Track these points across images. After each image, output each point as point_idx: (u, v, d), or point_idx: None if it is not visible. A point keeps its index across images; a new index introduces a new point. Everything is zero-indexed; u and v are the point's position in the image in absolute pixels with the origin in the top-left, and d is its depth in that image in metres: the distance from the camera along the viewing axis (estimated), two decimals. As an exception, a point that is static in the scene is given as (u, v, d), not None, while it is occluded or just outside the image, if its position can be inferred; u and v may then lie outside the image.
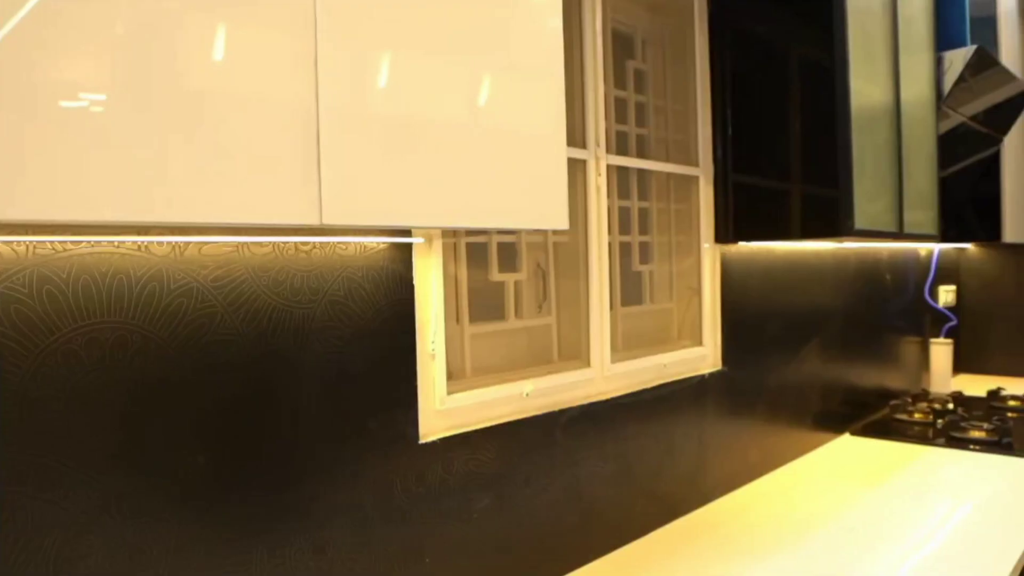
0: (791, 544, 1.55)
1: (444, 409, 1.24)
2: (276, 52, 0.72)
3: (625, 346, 1.67)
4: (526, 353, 1.46)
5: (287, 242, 1.03)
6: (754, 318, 1.99)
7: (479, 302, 1.39)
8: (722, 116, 1.86)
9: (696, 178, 1.83)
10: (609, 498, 1.53)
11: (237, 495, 0.97)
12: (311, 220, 0.76)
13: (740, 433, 1.94)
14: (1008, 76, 2.56)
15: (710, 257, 1.83)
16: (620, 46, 1.69)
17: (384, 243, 1.14)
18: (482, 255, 1.38)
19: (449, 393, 1.25)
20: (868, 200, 1.72)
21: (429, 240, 1.20)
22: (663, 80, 1.80)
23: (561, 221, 0.98)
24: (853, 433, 2.46)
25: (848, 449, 2.29)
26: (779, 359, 2.10)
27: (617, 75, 1.67)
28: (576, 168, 1.51)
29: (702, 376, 1.79)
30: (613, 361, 1.57)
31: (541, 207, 0.96)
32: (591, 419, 1.49)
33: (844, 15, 1.66)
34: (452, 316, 1.33)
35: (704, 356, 1.82)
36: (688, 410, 1.75)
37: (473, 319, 1.37)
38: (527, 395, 1.38)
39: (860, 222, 1.67)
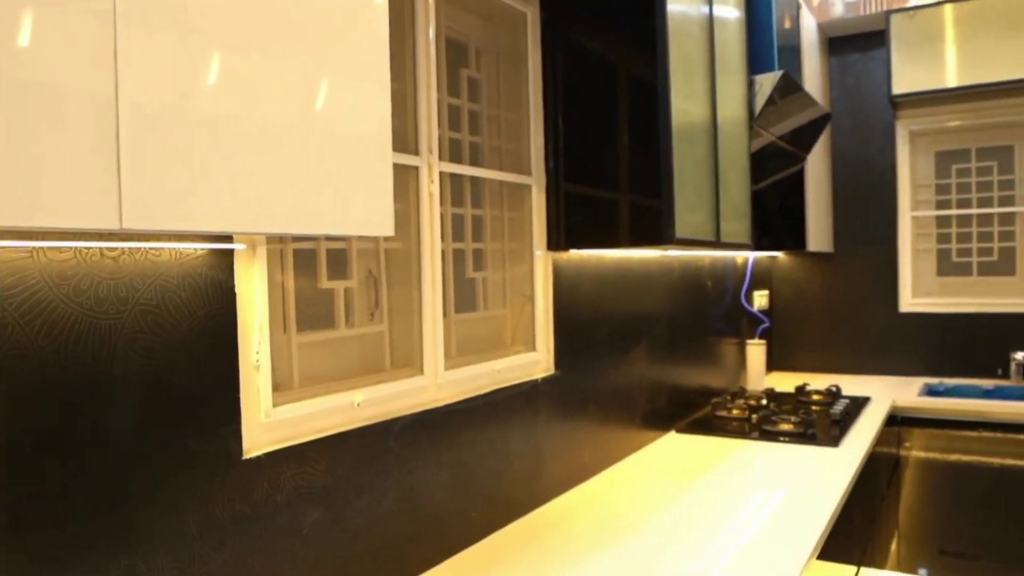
0: (621, 539, 1.61)
1: (270, 422, 1.19)
2: (70, 38, 0.66)
3: (459, 353, 1.67)
4: (357, 362, 1.43)
5: (91, 247, 0.95)
6: (585, 323, 2.06)
7: (308, 310, 1.35)
8: (554, 126, 1.91)
9: (529, 187, 1.87)
10: (446, 504, 1.53)
11: (39, 525, 0.88)
12: (110, 224, 0.70)
13: (574, 434, 2.00)
14: (811, 101, 2.80)
15: (543, 264, 1.88)
16: (454, 54, 1.70)
17: (202, 249, 1.08)
18: (311, 262, 1.34)
19: (275, 405, 1.21)
20: (688, 211, 1.83)
21: (252, 246, 1.15)
22: (497, 89, 1.83)
23: (386, 227, 0.97)
24: (678, 431, 2.60)
25: (674, 446, 2.42)
26: (609, 362, 2.18)
27: (451, 83, 1.68)
28: (409, 175, 1.50)
29: (535, 381, 1.83)
30: (447, 368, 1.57)
31: (366, 213, 0.95)
32: (425, 427, 1.48)
33: (666, 36, 1.75)
34: (279, 325, 1.28)
35: (537, 361, 1.86)
36: (523, 414, 1.78)
37: (301, 328, 1.33)
38: (358, 405, 1.35)
39: (681, 231, 1.77)
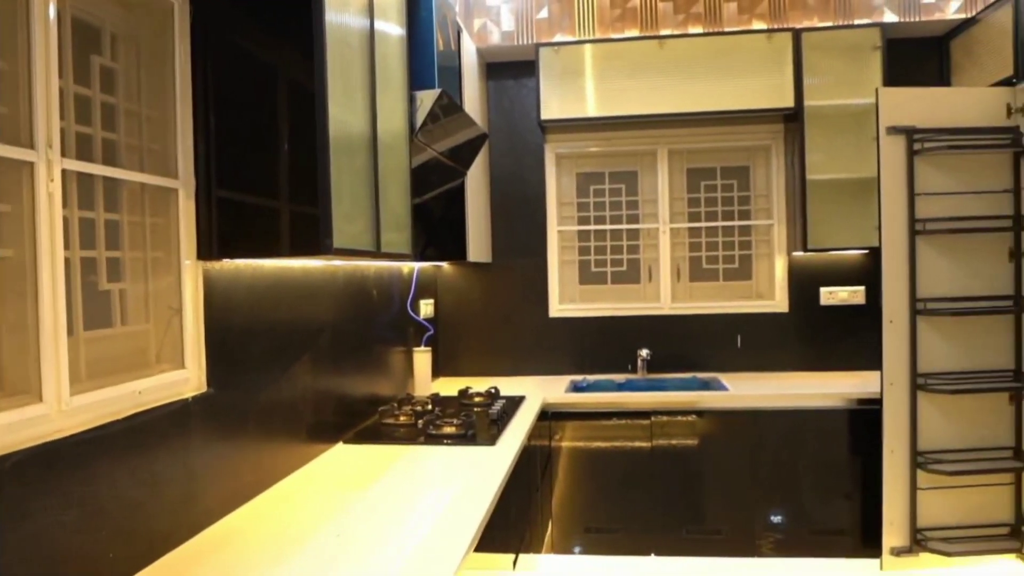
0: (287, 557, 1.55)
1: None
2: None
3: (92, 375, 1.49)
4: (-48, 391, 1.20)
5: None
6: (242, 337, 1.95)
7: None
8: (206, 128, 1.79)
9: (175, 191, 1.73)
10: (76, 549, 1.34)
11: None
12: None
13: (232, 454, 1.88)
14: (469, 120, 2.97)
15: (192, 275, 1.75)
16: (84, 38, 1.51)
17: None
18: None
19: None
20: (347, 221, 1.82)
21: None
22: (137, 83, 1.66)
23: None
24: (346, 441, 2.58)
25: (342, 458, 2.39)
26: (271, 376, 2.10)
27: (80, 70, 1.49)
28: (21, 171, 1.30)
29: (185, 400, 1.69)
30: (74, 393, 1.38)
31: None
32: (47, 462, 1.29)
33: (324, 45, 1.73)
34: None
35: (187, 379, 1.72)
36: (172, 437, 1.64)
37: None
38: (-48, 442, 1.14)
39: (339, 241, 1.76)
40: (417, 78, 2.63)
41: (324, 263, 2.47)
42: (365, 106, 2.02)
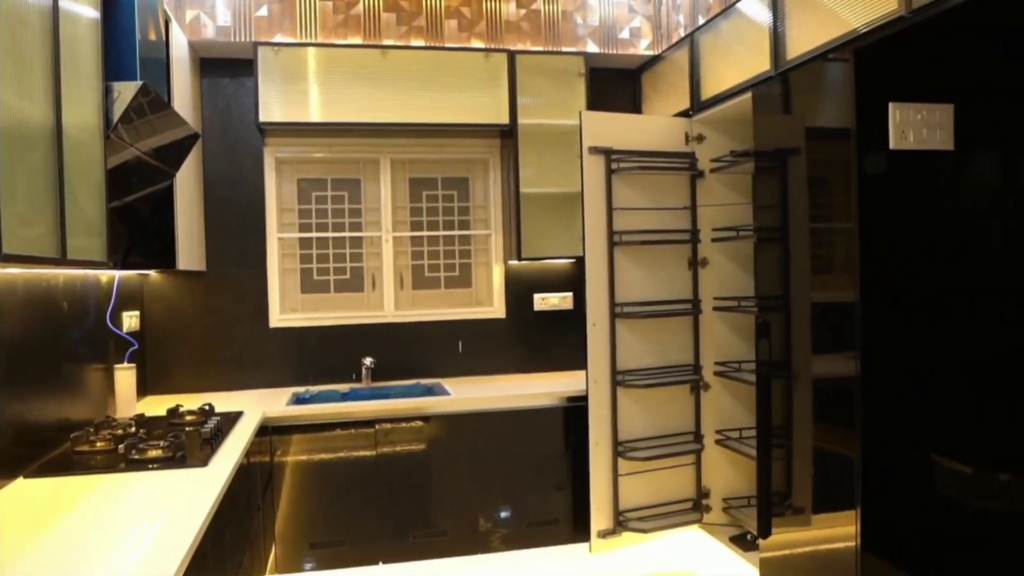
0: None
1: None
2: None
3: None
4: None
5: None
6: None
7: None
8: None
9: None
10: None
11: None
12: None
13: None
14: (178, 118, 2.76)
15: None
16: None
17: None
18: None
19: None
20: (23, 224, 1.60)
21: None
22: None
23: None
24: (28, 476, 2.26)
25: (23, 495, 2.09)
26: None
27: None
28: None
29: None
30: None
31: None
32: None
33: (-8, 20, 1.51)
34: None
35: None
36: None
37: None
38: None
39: (11, 246, 1.54)
40: (115, 68, 2.39)
41: (-3, 271, 2.15)
42: (47, 94, 1.79)
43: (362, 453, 3.37)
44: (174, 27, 3.17)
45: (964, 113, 2.24)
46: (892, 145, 2.19)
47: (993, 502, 2.35)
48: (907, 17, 2.24)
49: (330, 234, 3.98)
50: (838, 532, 2.35)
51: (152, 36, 2.74)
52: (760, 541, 2.74)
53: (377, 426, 3.38)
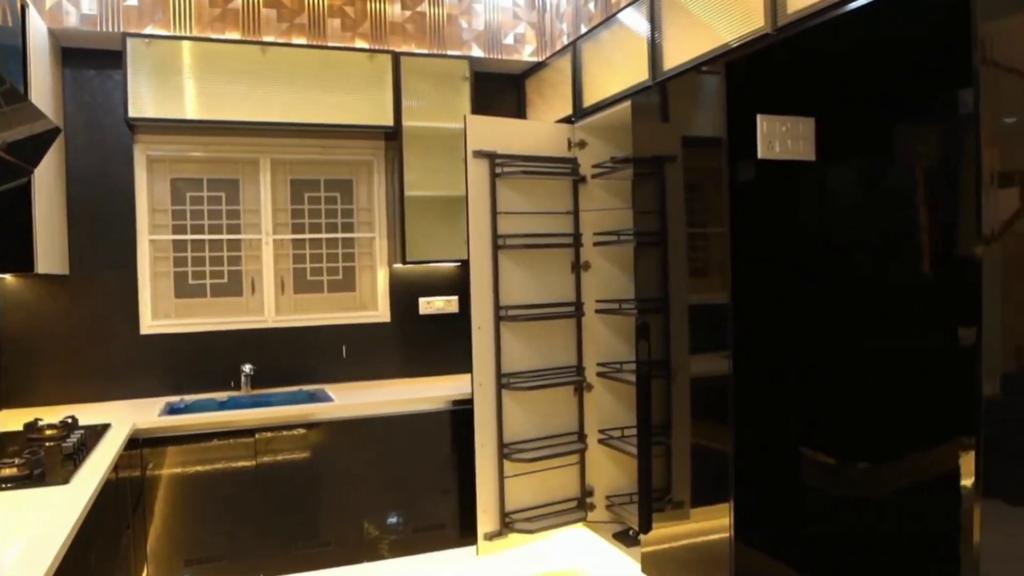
0: None
1: None
2: None
3: None
4: None
5: None
6: None
7: None
8: None
9: None
10: None
11: None
12: None
13: None
14: (36, 112, 2.58)
15: None
16: None
17: None
18: None
19: None
20: None
21: None
22: None
23: None
24: None
25: None
26: None
27: None
28: None
29: None
30: None
31: None
32: None
33: None
34: None
35: None
36: None
37: None
38: None
39: None
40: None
41: None
42: None
43: (241, 464, 3.25)
44: (32, 13, 2.96)
45: (825, 125, 2.40)
46: (760, 155, 2.31)
47: (853, 490, 2.51)
48: (772, 34, 2.37)
49: (206, 236, 3.82)
50: (713, 524, 2.45)
51: (7, 21, 2.55)
52: (642, 536, 2.83)
53: (257, 435, 3.27)
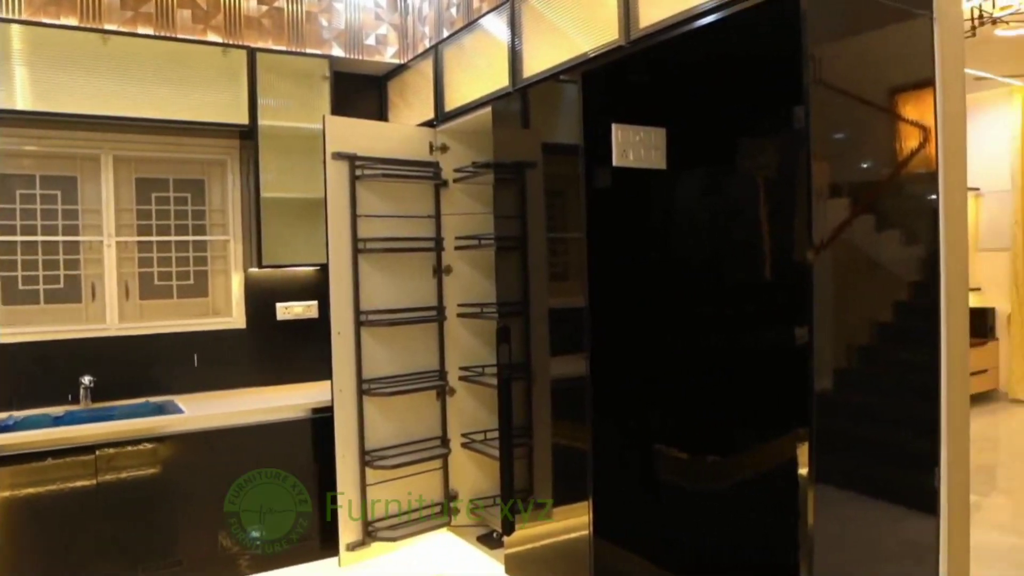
0: None
1: None
2: None
3: None
4: None
5: None
6: None
7: None
8: None
9: None
10: None
11: None
12: None
13: None
14: None
15: None
16: None
17: None
18: None
19: None
20: None
21: None
22: None
23: None
24: None
25: None
26: None
27: None
28: None
29: None
30: None
31: None
32: None
33: None
34: None
35: None
36: None
37: None
38: None
39: None
40: None
41: None
42: None
43: (80, 483, 3.01)
44: None
45: (676, 136, 2.51)
46: (615, 162, 2.39)
47: (704, 483, 2.64)
48: (627, 46, 2.46)
49: (39, 237, 3.52)
50: (574, 522, 2.51)
51: None
52: (505, 538, 2.86)
53: (98, 451, 3.04)
